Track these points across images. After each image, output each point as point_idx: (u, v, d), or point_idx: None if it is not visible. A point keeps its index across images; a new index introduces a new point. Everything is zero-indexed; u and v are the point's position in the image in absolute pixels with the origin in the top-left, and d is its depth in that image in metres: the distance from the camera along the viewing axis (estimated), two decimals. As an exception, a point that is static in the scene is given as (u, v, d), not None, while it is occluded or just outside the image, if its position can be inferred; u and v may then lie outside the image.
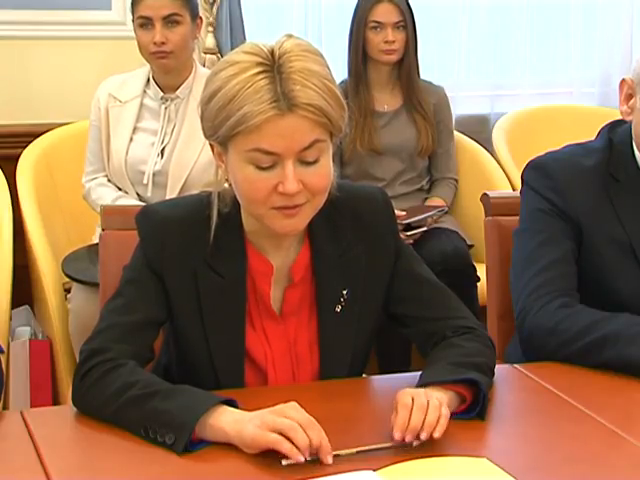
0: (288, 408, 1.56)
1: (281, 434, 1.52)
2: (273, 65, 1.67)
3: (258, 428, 1.54)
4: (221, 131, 1.69)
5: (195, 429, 1.58)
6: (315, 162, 1.70)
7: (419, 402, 1.59)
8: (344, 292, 1.85)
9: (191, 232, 1.80)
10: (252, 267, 1.82)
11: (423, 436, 1.56)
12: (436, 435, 1.57)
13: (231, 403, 1.62)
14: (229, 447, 1.58)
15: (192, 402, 1.61)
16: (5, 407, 3.14)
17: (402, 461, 1.55)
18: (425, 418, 1.57)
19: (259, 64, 1.67)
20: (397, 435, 1.56)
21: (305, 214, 1.74)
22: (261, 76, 1.66)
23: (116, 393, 1.66)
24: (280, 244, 1.83)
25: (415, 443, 1.56)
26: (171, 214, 1.83)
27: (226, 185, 1.80)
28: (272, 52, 1.68)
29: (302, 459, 1.50)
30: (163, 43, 3.25)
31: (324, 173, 1.72)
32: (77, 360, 3.18)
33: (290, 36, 1.73)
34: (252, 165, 1.69)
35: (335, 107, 1.69)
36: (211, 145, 1.77)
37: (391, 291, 1.90)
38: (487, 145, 4.19)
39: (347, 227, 1.86)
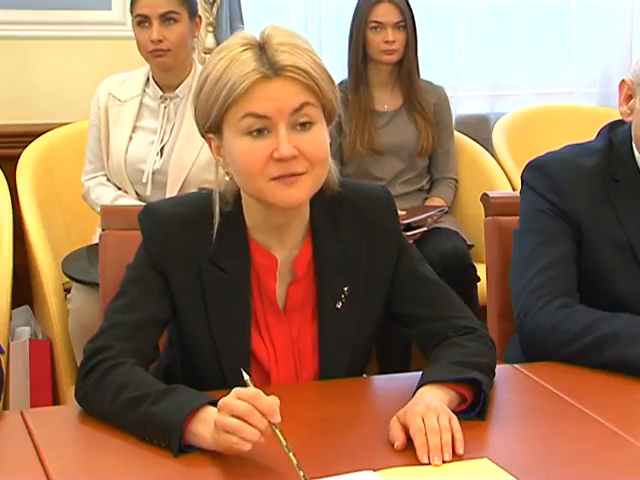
0: (231, 400, 1.54)
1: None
2: (257, 44, 1.71)
3: (216, 433, 1.54)
4: (214, 112, 1.72)
5: (185, 435, 1.58)
6: (308, 128, 1.71)
7: (430, 425, 1.59)
8: (345, 289, 1.85)
9: (194, 229, 1.81)
10: (256, 262, 1.83)
11: (447, 457, 1.56)
12: (460, 452, 1.58)
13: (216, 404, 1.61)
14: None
15: (180, 405, 1.60)
16: (5, 407, 3.14)
17: (403, 464, 1.55)
18: (441, 438, 1.58)
19: (245, 44, 1.71)
20: (424, 459, 1.56)
21: (305, 184, 1.73)
22: (247, 52, 1.70)
23: (112, 396, 1.66)
24: (283, 239, 1.83)
25: (438, 461, 1.56)
26: (174, 212, 1.83)
27: (227, 178, 1.80)
28: (257, 36, 1.72)
29: (262, 440, 1.52)
30: (160, 41, 3.25)
31: (319, 140, 1.73)
32: (77, 360, 3.20)
33: (275, 25, 1.76)
34: (246, 136, 1.70)
35: (323, 77, 1.72)
36: (208, 141, 1.78)
37: (393, 290, 1.90)
38: (487, 145, 4.19)
39: (349, 224, 1.86)
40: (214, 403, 1.60)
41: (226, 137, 1.74)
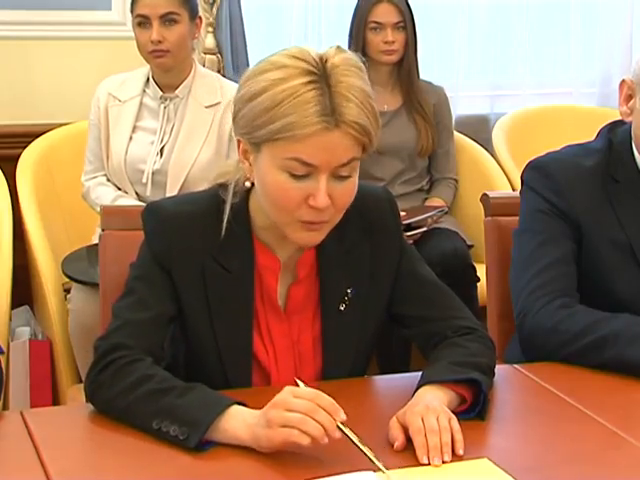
0: (288, 397, 1.56)
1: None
2: (322, 76, 1.66)
3: (268, 428, 1.54)
4: (260, 133, 1.68)
5: (208, 432, 1.58)
6: (346, 178, 1.71)
7: (429, 425, 1.59)
8: (348, 291, 1.85)
9: (197, 228, 1.80)
10: (259, 262, 1.83)
11: (446, 457, 1.57)
12: (460, 452, 1.58)
13: (242, 405, 1.63)
14: (233, 447, 1.58)
15: (208, 400, 1.62)
16: (5, 407, 3.14)
17: (403, 464, 1.55)
18: (440, 438, 1.58)
19: (308, 73, 1.66)
20: (424, 459, 1.56)
21: (325, 229, 1.75)
22: (310, 86, 1.65)
23: (132, 385, 1.66)
24: (287, 240, 1.82)
25: (438, 462, 1.57)
26: (177, 209, 1.83)
27: (247, 184, 1.78)
28: (321, 62, 1.67)
29: (324, 441, 1.53)
30: (160, 42, 3.25)
31: (351, 189, 1.73)
32: (77, 360, 3.20)
33: (339, 48, 1.72)
34: (286, 173, 1.68)
35: (374, 125, 1.69)
36: (238, 141, 1.76)
37: (393, 291, 1.90)
38: (487, 145, 4.19)
39: (352, 226, 1.86)
40: (240, 403, 1.62)
41: (263, 158, 1.70)
